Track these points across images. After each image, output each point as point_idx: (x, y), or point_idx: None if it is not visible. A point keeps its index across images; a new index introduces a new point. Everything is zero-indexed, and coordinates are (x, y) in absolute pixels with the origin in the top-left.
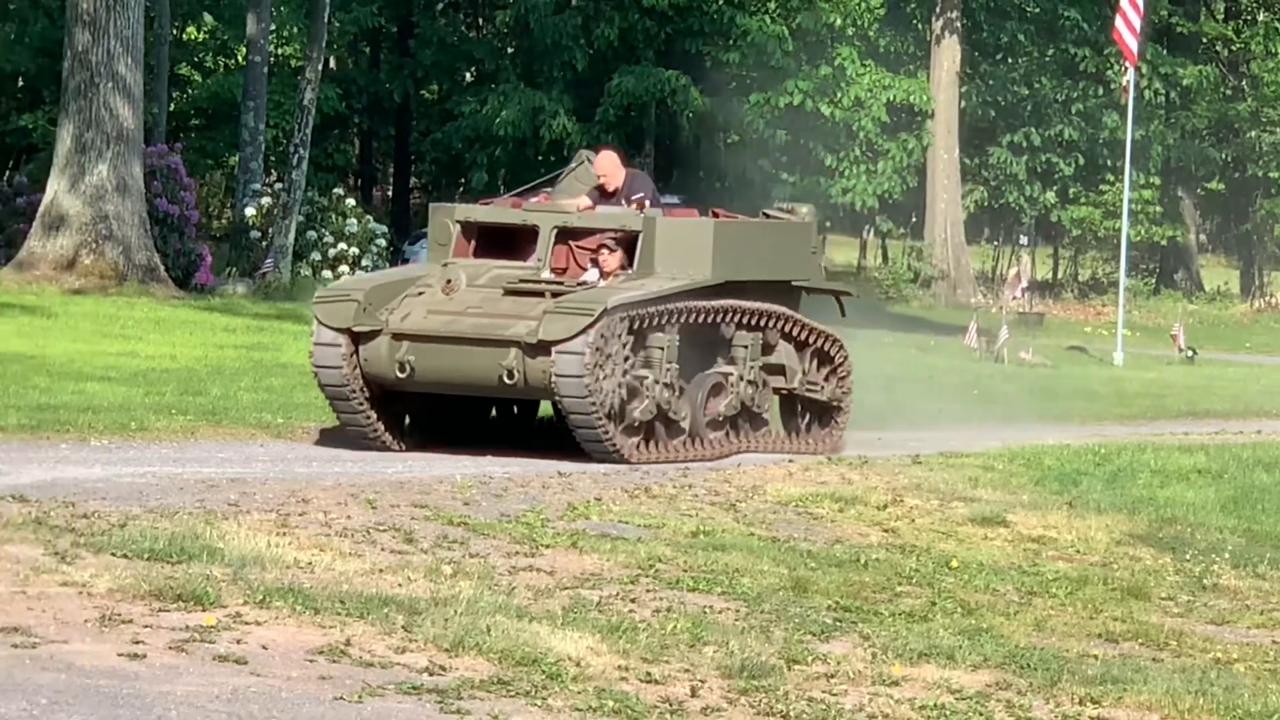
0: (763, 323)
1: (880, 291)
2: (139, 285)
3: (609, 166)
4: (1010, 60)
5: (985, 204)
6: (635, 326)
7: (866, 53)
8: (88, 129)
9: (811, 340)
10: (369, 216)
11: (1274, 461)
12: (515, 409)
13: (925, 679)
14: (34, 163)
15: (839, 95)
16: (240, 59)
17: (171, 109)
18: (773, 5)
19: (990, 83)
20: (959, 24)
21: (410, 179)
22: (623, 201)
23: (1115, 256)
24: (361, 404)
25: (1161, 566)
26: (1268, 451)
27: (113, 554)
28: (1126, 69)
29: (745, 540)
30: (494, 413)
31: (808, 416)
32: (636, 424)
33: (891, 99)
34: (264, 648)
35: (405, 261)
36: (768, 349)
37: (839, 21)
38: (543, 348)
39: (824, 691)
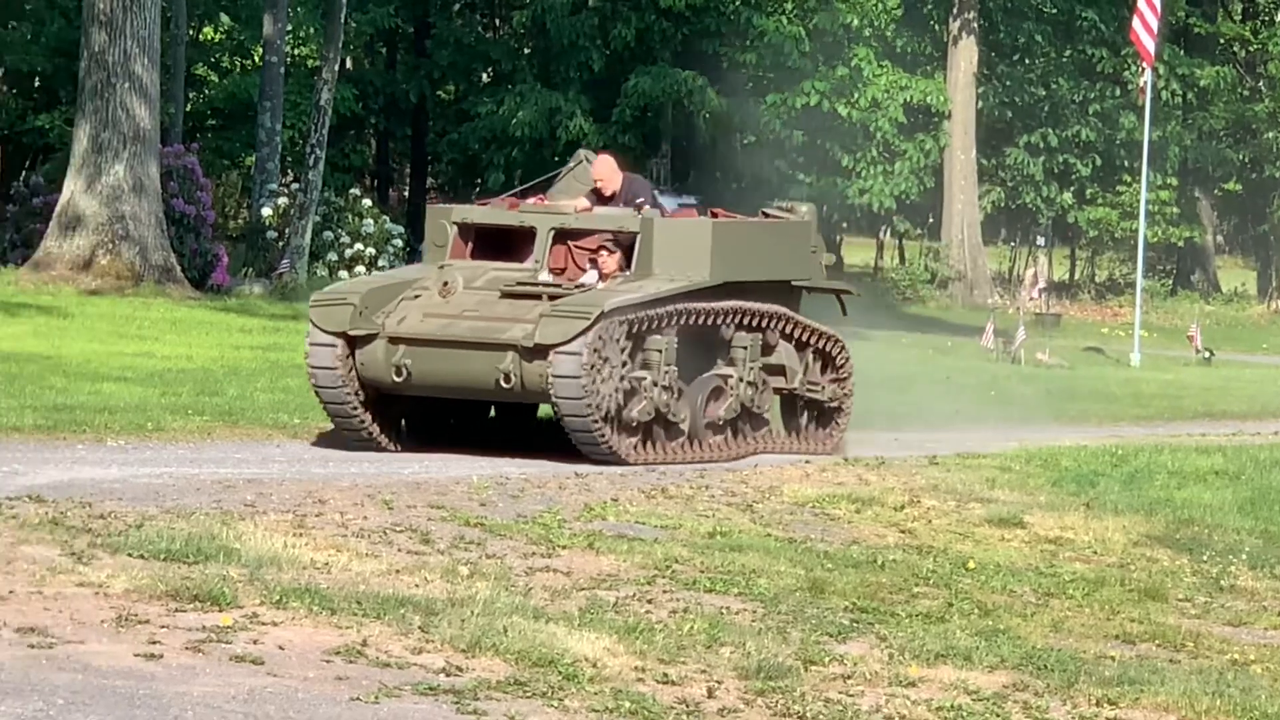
0: (762, 323)
1: (897, 292)
2: (155, 285)
3: (606, 171)
4: (1027, 61)
5: (1002, 205)
6: (633, 329)
7: (883, 53)
8: (104, 129)
9: (812, 340)
10: (385, 217)
11: None
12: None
13: (942, 680)
14: (50, 163)
15: (856, 96)
16: (257, 59)
17: (188, 109)
18: (789, 6)
19: (1007, 83)
20: (976, 25)
21: (427, 179)
22: (621, 205)
23: (1132, 257)
24: (356, 407)
25: (1179, 568)
26: None
27: (129, 554)
28: (1144, 70)
29: (762, 541)
30: (493, 413)
31: (807, 416)
32: (634, 425)
33: (908, 100)
34: (280, 648)
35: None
36: (768, 349)
37: (856, 22)
38: (540, 351)
39: (841, 692)
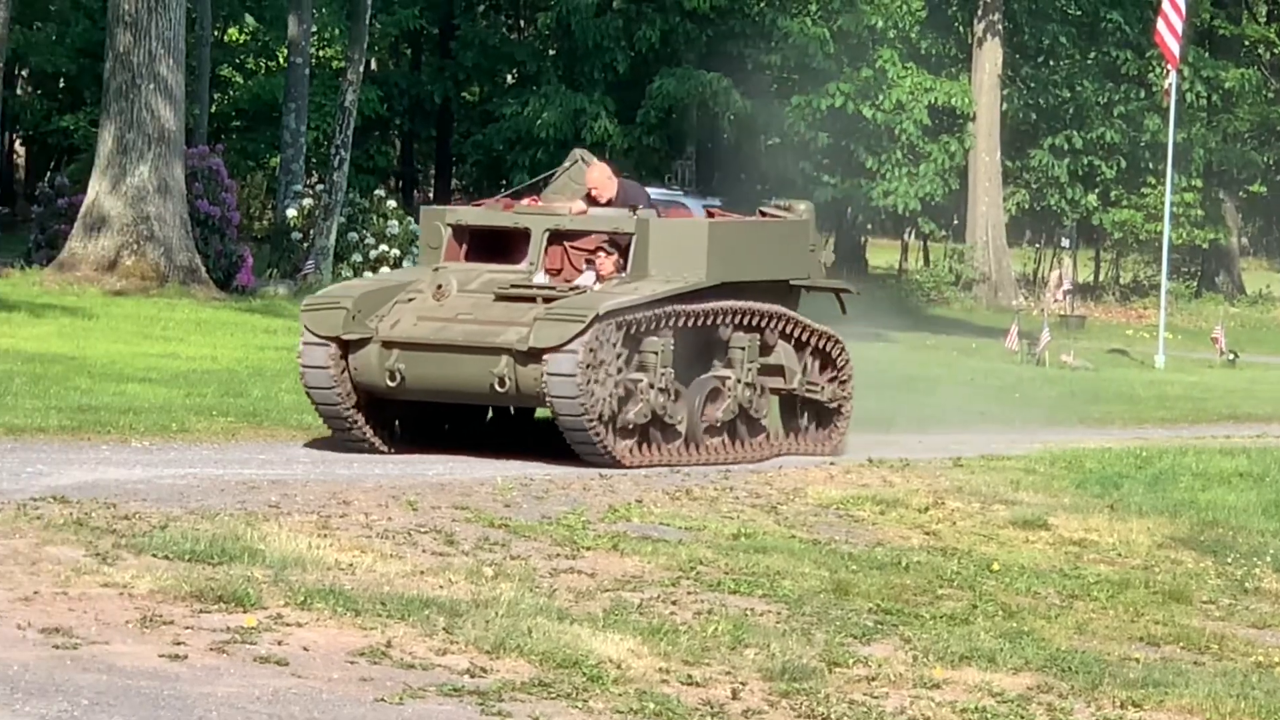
0: (760, 323)
1: (921, 294)
2: (180, 286)
3: (601, 180)
4: (1052, 63)
5: (1027, 207)
6: (629, 331)
7: (908, 55)
8: (129, 130)
9: (811, 340)
10: (410, 218)
11: None
12: (512, 411)
13: (966, 682)
14: (75, 164)
15: (880, 98)
16: (282, 60)
17: (213, 110)
18: (814, 7)
19: (1032, 85)
20: (1000, 26)
21: (451, 181)
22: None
23: (1157, 259)
24: (348, 409)
25: (1203, 570)
26: None
27: (154, 555)
28: (1168, 72)
29: (786, 543)
30: (490, 414)
31: (806, 417)
32: (631, 427)
33: (933, 101)
34: (305, 649)
35: None
36: (766, 349)
37: (880, 24)
38: (534, 355)
39: (865, 694)
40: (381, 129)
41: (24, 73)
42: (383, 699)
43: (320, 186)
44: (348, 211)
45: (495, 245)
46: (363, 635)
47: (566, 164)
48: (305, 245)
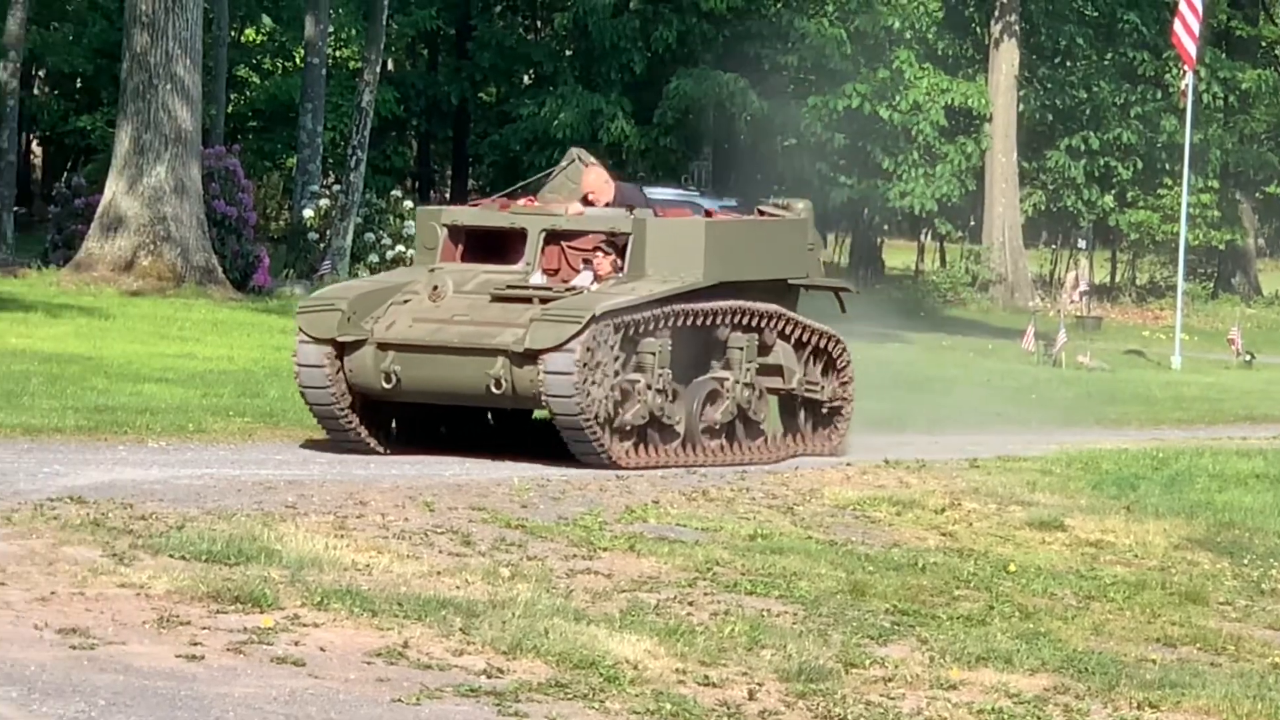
0: (759, 323)
1: (938, 295)
2: (197, 287)
3: (598, 184)
4: (1069, 64)
5: (1043, 208)
6: (626, 332)
7: (924, 56)
8: (146, 130)
9: (810, 340)
10: None
11: None
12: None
13: (983, 683)
14: (92, 164)
15: (897, 98)
16: (298, 61)
17: (230, 111)
18: (831, 8)
19: (1048, 86)
20: (1017, 27)
21: (468, 181)
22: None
23: (1173, 260)
24: (344, 410)
25: (1219, 571)
26: None
27: (171, 555)
28: (1185, 73)
29: (803, 543)
30: (489, 415)
31: (806, 417)
32: (628, 428)
33: (950, 102)
34: (322, 650)
35: None
36: (765, 349)
37: (897, 24)
38: (530, 356)
39: (881, 695)
40: (398, 129)
41: (41, 73)
42: (399, 699)
43: (337, 187)
44: (364, 212)
45: (491, 246)
46: (379, 636)
47: (563, 163)
48: (322, 246)
